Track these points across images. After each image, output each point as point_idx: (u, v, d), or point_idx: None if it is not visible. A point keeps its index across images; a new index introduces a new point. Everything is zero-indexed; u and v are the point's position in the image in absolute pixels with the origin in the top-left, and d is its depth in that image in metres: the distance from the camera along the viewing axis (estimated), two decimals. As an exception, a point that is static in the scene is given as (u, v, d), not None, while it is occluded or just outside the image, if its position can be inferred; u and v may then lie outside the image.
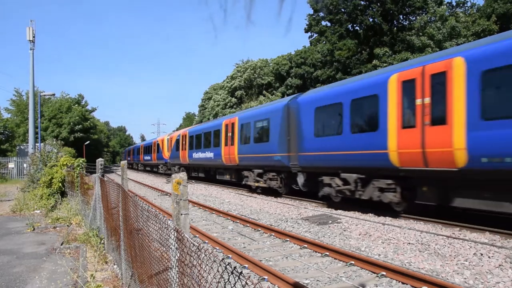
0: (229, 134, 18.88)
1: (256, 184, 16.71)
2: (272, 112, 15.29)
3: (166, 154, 32.88)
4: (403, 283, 5.23)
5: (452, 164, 8.16)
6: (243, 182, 18.08)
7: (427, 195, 9.29)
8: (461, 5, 34.23)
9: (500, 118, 7.28)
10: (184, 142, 27.11)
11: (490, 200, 7.83)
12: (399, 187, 9.88)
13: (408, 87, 9.36)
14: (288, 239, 7.94)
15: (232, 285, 1.80)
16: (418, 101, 9.01)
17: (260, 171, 16.28)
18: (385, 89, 9.98)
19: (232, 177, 19.77)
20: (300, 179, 13.77)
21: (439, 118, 8.45)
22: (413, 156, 9.10)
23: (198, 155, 23.53)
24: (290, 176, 14.66)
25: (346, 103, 11.31)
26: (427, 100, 8.77)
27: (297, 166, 13.63)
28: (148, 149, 42.27)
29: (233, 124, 18.70)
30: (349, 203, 12.20)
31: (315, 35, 40.44)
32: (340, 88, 12.00)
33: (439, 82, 8.51)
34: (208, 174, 23.91)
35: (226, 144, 19.26)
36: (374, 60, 29.94)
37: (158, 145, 36.74)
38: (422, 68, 9.01)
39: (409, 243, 7.30)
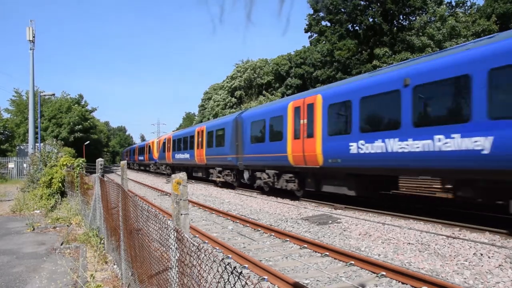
0: (200, 139, 23.52)
1: (218, 180, 21.33)
2: (226, 123, 19.74)
3: (156, 155, 37.60)
4: (403, 283, 5.23)
5: (317, 163, 12.46)
6: (210, 178, 22.90)
7: (310, 184, 13.48)
8: (461, 5, 34.22)
9: (334, 134, 11.72)
10: (169, 145, 31.79)
11: (337, 186, 12.18)
12: (297, 179, 14.15)
13: (297, 111, 13.70)
14: (288, 239, 7.94)
15: (232, 285, 1.80)
16: (302, 121, 13.35)
17: (220, 169, 20.93)
18: (286, 111, 14.34)
19: (202, 174, 24.55)
20: (246, 175, 17.86)
21: (310, 133, 12.87)
22: (299, 158, 13.43)
23: (179, 156, 28.36)
24: (239, 173, 18.79)
25: (267, 120, 15.66)
26: (305, 121, 13.16)
27: (242, 165, 17.84)
28: (141, 150, 47.46)
29: (202, 131, 23.23)
30: (349, 203, 12.22)
31: (315, 35, 40.42)
32: (265, 109, 16.57)
33: (311, 110, 12.91)
34: (187, 171, 27.39)
35: (198, 148, 23.88)
36: (374, 61, 29.94)
37: (149, 147, 41.61)
38: (303, 100, 13.45)
39: (409, 243, 7.30)
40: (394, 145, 9.50)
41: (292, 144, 13.69)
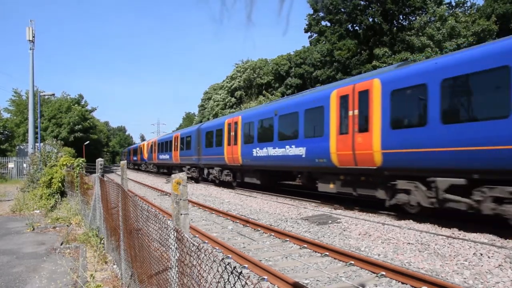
0: (176, 143, 29.62)
1: (188, 175, 26.46)
2: (192, 132, 25.90)
3: (146, 155, 44.02)
4: (402, 283, 5.24)
5: (238, 162, 18.23)
6: (176, 172, 29.19)
7: (239, 177, 19.52)
8: (460, 5, 34.19)
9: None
10: (155, 147, 38.05)
11: (251, 177, 17.96)
12: (231, 174, 19.95)
13: (229, 126, 19.64)
14: (288, 239, 7.94)
15: (232, 285, 1.80)
16: (232, 133, 19.13)
17: (189, 167, 26.96)
18: (223, 126, 20.27)
19: (178, 171, 31.08)
20: (205, 171, 23.44)
21: (235, 142, 18.93)
22: (230, 159, 19.00)
23: (162, 156, 34.51)
24: (201, 170, 24.86)
25: (214, 130, 21.27)
26: (233, 133, 18.93)
27: (202, 164, 23.65)
28: (135, 151, 54.16)
29: (177, 137, 29.51)
30: (349, 203, 12.21)
31: (315, 35, 40.40)
32: (214, 123, 22.43)
33: (236, 127, 19.05)
34: (168, 169, 35.69)
35: (174, 150, 29.91)
36: (374, 61, 29.93)
37: (141, 148, 48.27)
38: (233, 119, 19.58)
39: (409, 243, 7.30)
40: (271, 151, 15.36)
41: (226, 149, 19.43)
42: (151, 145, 40.33)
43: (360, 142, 10.74)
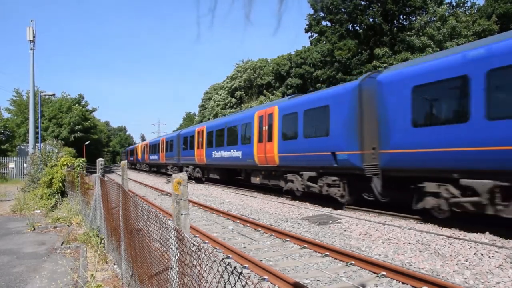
0: (162, 146, 35.12)
1: (164, 170, 35.83)
2: (174, 137, 30.96)
3: (140, 156, 49.67)
4: (403, 283, 5.23)
5: (203, 162, 23.04)
6: (162, 170, 37.18)
7: (206, 174, 24.20)
8: (461, 5, 34.17)
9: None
10: (147, 149, 44.24)
11: (213, 174, 22.82)
12: (201, 171, 24.78)
13: (199, 133, 23.98)
14: (288, 239, 7.94)
15: (232, 285, 1.80)
16: (200, 139, 24.12)
17: (172, 166, 31.97)
18: (195, 133, 25.23)
19: (165, 170, 36.25)
20: (184, 170, 27.44)
21: (200, 146, 24.10)
22: (200, 159, 23.79)
23: (152, 157, 40.39)
24: (181, 169, 29.01)
25: (188, 137, 26.60)
26: (200, 139, 23.91)
27: (181, 163, 28.57)
28: (132, 152, 60.25)
29: (163, 141, 35.10)
30: (349, 203, 12.20)
31: (315, 35, 40.39)
32: (190, 129, 27.56)
33: (202, 134, 23.55)
34: (157, 168, 40.98)
35: (161, 152, 35.03)
36: (374, 61, 29.92)
37: (136, 150, 54.21)
38: (197, 129, 24.79)
39: (410, 243, 7.30)
40: (223, 154, 19.81)
41: (196, 151, 24.24)
42: (144, 147, 46.50)
43: (268, 148, 15.37)
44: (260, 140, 16.07)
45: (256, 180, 17.33)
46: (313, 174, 12.85)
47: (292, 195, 14.58)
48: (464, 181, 7.97)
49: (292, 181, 14.08)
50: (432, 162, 8.58)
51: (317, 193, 12.81)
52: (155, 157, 38.10)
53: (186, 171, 26.66)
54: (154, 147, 39.27)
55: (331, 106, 11.94)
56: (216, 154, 20.79)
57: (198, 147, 23.98)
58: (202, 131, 23.45)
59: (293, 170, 13.97)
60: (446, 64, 8.54)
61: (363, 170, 10.70)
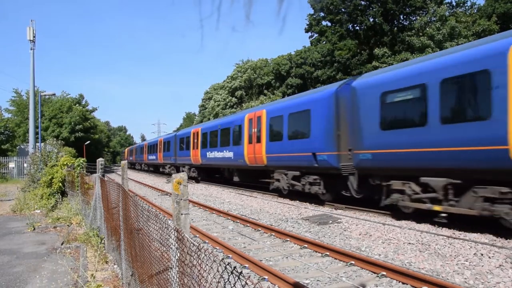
0: (160, 146, 36.21)
1: (161, 170, 37.45)
2: (171, 138, 32.13)
3: (134, 156, 54.55)
4: (403, 283, 5.23)
5: (199, 162, 24.23)
6: (160, 170, 38.25)
7: (200, 173, 26.08)
8: (461, 5, 34.14)
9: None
10: (145, 149, 46.17)
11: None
12: (197, 171, 26.07)
13: (194, 135, 24.88)
14: (288, 239, 7.94)
15: (232, 285, 1.80)
16: (195, 141, 25.86)
17: (169, 165, 33.08)
18: (190, 134, 25.96)
19: (161, 169, 38.23)
20: (181, 169, 28.52)
21: (191, 147, 25.78)
22: (195, 160, 25.08)
23: (151, 157, 41.79)
24: (178, 168, 30.06)
25: (184, 138, 27.77)
26: (195, 141, 25.49)
27: (177, 163, 29.57)
28: (131, 152, 63.16)
29: (161, 141, 36.28)
30: (349, 202, 12.21)
31: (316, 35, 40.37)
32: (185, 131, 28.90)
33: (196, 136, 24.78)
34: (155, 168, 42.75)
35: (159, 152, 36.21)
36: (374, 61, 29.91)
37: (132, 150, 59.19)
38: (193, 129, 25.97)
39: (410, 243, 7.30)
40: (216, 154, 20.90)
41: (192, 152, 25.29)
42: (142, 147, 49.03)
43: (257, 149, 16.17)
44: (250, 141, 16.95)
45: (237, 179, 19.61)
46: (296, 173, 13.76)
47: (279, 193, 15.47)
48: (423, 179, 8.87)
49: (278, 180, 14.99)
50: (397, 162, 9.44)
51: (300, 191, 13.74)
52: (153, 157, 39.60)
53: (183, 171, 27.79)
54: (152, 148, 40.63)
55: (311, 110, 12.88)
56: (210, 154, 21.89)
57: (193, 148, 25.03)
58: (198, 132, 24.61)
59: (279, 170, 15.02)
60: (410, 72, 9.40)
61: (340, 170, 11.59)
